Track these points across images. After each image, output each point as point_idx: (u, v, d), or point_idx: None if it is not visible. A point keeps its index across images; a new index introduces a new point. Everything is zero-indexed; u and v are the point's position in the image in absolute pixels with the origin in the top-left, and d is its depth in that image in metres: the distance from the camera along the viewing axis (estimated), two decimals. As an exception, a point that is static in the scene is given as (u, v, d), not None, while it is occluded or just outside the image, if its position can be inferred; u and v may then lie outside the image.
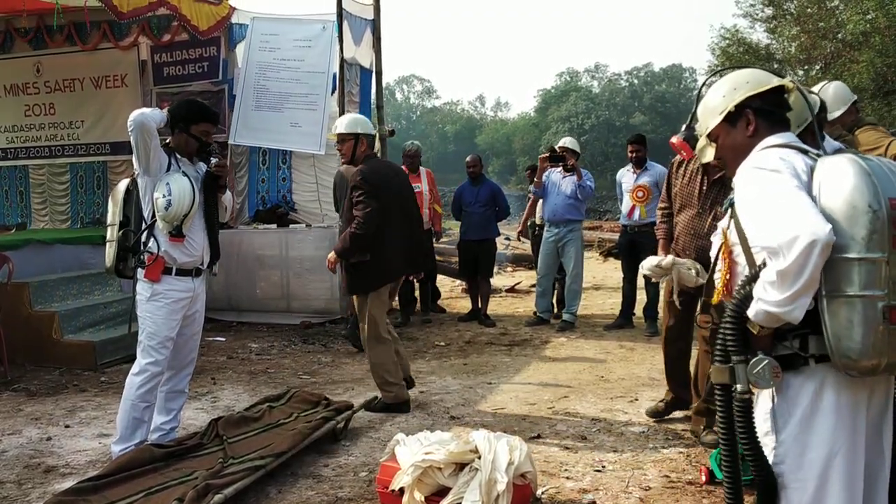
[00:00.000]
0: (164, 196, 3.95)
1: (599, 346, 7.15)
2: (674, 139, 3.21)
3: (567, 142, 8.28)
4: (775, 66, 23.05)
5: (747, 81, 2.34)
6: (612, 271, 11.93)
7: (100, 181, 9.82)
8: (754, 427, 2.26)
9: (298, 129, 8.29)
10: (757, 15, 23.10)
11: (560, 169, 8.04)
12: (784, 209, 2.08)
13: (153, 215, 4.04)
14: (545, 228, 8.36)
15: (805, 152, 2.20)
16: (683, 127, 3.17)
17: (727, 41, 23.44)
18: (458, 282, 11.37)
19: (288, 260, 8.40)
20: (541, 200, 8.57)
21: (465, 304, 9.55)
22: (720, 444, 2.43)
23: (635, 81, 61.20)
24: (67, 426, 4.92)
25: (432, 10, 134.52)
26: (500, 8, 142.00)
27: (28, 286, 6.56)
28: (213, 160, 4.27)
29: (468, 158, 8.95)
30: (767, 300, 2.08)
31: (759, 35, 23.35)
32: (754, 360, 2.17)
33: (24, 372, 6.29)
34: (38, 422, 5.02)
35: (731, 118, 2.36)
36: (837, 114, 4.33)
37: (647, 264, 4.36)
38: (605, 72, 65.90)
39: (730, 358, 2.22)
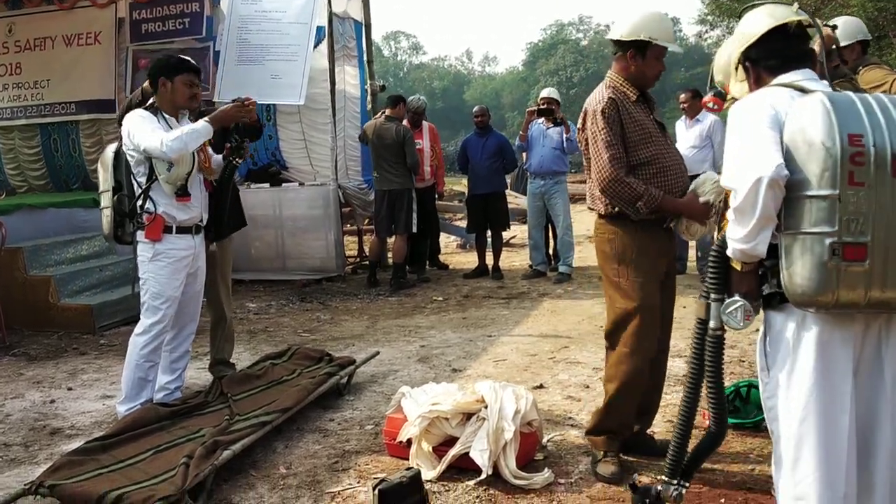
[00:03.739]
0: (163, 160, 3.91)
1: (597, 297, 7.15)
2: (706, 98, 3.28)
3: (551, 92, 8.20)
4: (766, 12, 22.83)
5: (742, 33, 2.39)
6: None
7: (74, 144, 9.56)
8: (721, 365, 2.44)
9: (279, 81, 8.06)
10: (749, -40, 22.83)
11: (543, 120, 7.97)
12: (743, 150, 2.19)
13: (149, 178, 3.98)
14: (530, 181, 8.32)
15: (804, 91, 2.20)
16: (708, 87, 3.29)
17: (717, -11, 23.18)
18: (452, 238, 11.36)
19: (282, 219, 8.35)
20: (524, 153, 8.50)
21: (460, 260, 9.56)
22: (686, 381, 2.54)
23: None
24: (70, 389, 4.93)
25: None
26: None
27: (22, 251, 6.50)
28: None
29: (475, 109, 8.78)
30: (731, 237, 2.20)
31: (751, -18, 23.08)
32: (729, 300, 2.30)
33: (22, 337, 6.27)
34: (41, 385, 5.02)
35: (742, 70, 2.43)
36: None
37: (711, 186, 3.18)
38: (589, 24, 65.32)
39: (709, 295, 2.36)
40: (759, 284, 2.28)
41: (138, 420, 3.73)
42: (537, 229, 8.29)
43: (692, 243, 7.87)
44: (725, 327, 2.35)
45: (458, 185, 15.43)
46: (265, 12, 8.36)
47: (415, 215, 7.79)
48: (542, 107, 7.88)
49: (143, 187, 3.98)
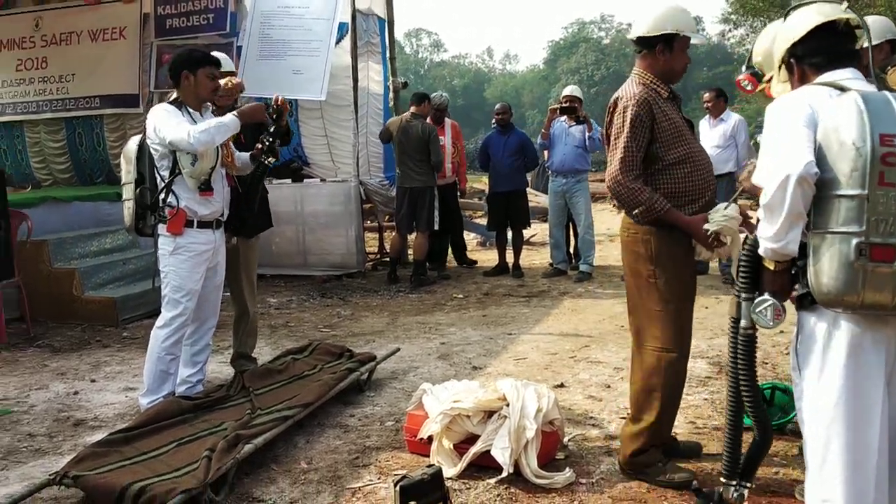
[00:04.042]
0: (188, 153, 3.93)
1: (617, 296, 7.11)
2: (740, 77, 3.23)
3: (573, 90, 8.16)
4: (792, 12, 22.60)
5: (789, 29, 2.38)
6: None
7: (99, 138, 9.66)
8: (754, 364, 2.42)
9: (300, 76, 8.09)
10: (773, -41, 22.59)
11: (565, 118, 7.93)
12: (775, 148, 2.18)
13: (172, 171, 4.00)
14: (551, 179, 8.29)
15: (843, 90, 2.18)
16: (744, 67, 3.22)
17: (741, -13, 22.98)
18: (472, 235, 11.35)
19: (304, 215, 8.39)
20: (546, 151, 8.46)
21: (480, 258, 9.54)
22: (728, 379, 2.51)
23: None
24: (93, 380, 4.97)
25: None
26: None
27: (47, 244, 6.57)
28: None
29: (497, 106, 8.73)
30: (762, 235, 2.20)
31: (776, -23, 22.85)
32: (759, 299, 2.29)
33: (46, 329, 6.34)
34: (64, 377, 5.07)
35: (786, 65, 2.40)
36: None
37: (720, 217, 3.08)
38: (611, 22, 64.95)
39: (740, 293, 2.37)
40: (791, 283, 2.25)
41: (161, 413, 3.75)
42: (558, 228, 8.26)
43: None
44: (756, 326, 2.34)
45: (478, 182, 15.41)
46: (288, 8, 8.38)
47: (436, 213, 7.79)
48: (564, 105, 7.85)
49: (167, 181, 4.00)
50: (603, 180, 13.92)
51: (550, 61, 63.19)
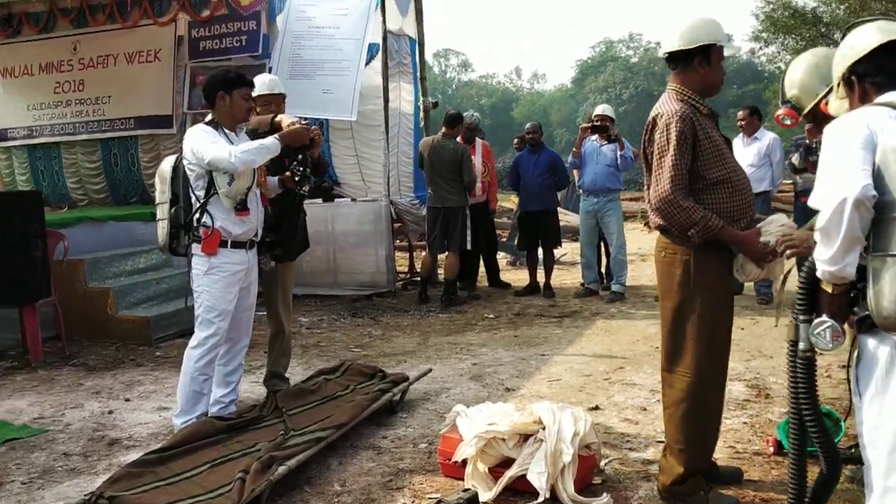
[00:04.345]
0: (224, 173, 3.95)
1: (651, 317, 7.04)
2: (779, 112, 3.14)
3: (605, 109, 8.14)
4: (823, 29, 22.43)
5: (851, 47, 2.32)
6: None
7: (133, 159, 9.76)
8: (815, 387, 2.33)
9: (330, 96, 8.16)
10: (803, -23, 22.44)
11: (597, 137, 7.90)
12: (832, 169, 2.12)
13: (207, 192, 4.02)
14: (583, 199, 8.24)
15: None
16: (780, 102, 3.13)
17: (771, 5, 22.83)
18: (501, 254, 11.30)
19: (334, 234, 8.40)
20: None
21: (510, 277, 9.49)
22: (789, 406, 2.43)
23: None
24: (127, 400, 4.99)
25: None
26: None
27: (83, 263, 6.65)
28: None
29: (528, 125, 8.76)
30: (818, 258, 2.15)
31: (805, -1, 22.69)
32: (817, 321, 2.23)
33: (81, 347, 6.39)
34: (99, 395, 5.10)
35: (846, 85, 2.35)
36: None
37: (777, 229, 3.00)
38: (639, 41, 64.80)
39: (798, 316, 2.31)
40: (850, 305, 2.20)
41: (195, 433, 3.75)
42: (590, 247, 8.20)
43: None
44: (816, 349, 2.28)
45: (506, 201, 15.38)
46: (318, 28, 8.46)
47: (468, 232, 7.77)
48: (596, 124, 7.82)
49: (202, 201, 4.03)
50: (634, 199, 13.77)
51: (578, 80, 63.14)
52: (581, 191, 8.26)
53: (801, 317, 2.30)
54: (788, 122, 3.14)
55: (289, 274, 4.86)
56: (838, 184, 2.06)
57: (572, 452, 3.24)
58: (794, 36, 22.80)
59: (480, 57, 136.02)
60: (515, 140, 11.18)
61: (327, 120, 8.78)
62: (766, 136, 7.48)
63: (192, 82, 9.42)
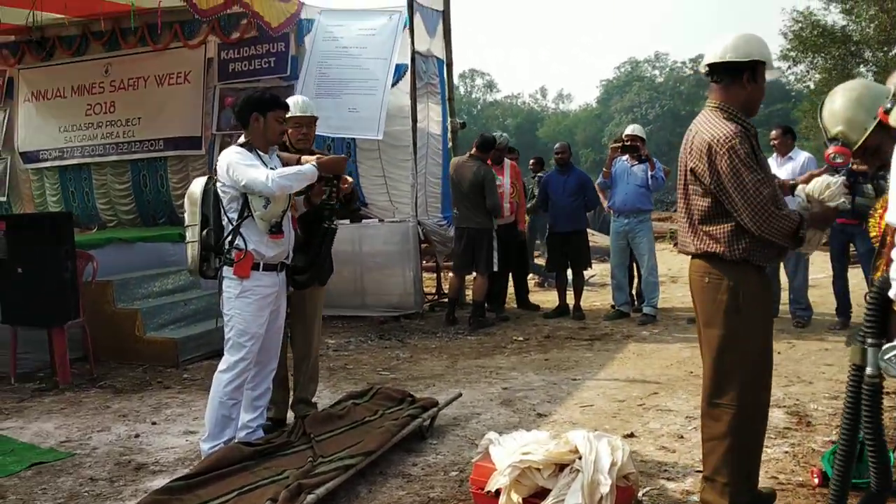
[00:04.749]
0: (260, 196, 3.92)
1: (684, 340, 6.90)
2: (829, 151, 2.97)
3: (635, 129, 8.04)
4: (852, 48, 22.17)
5: None
6: (687, 263, 11.60)
7: (163, 180, 9.83)
8: (880, 416, 2.20)
9: (356, 115, 8.11)
10: (832, -4, 22.18)
11: (627, 157, 7.80)
12: None
13: (241, 214, 3.99)
14: (613, 219, 8.13)
15: None
16: (826, 141, 2.99)
17: (800, 24, 22.60)
18: (529, 275, 11.19)
19: (361, 255, 8.34)
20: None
21: (538, 299, 9.38)
22: (841, 431, 2.31)
23: (700, 70, 59.73)
24: (154, 423, 4.95)
25: (490, 4, 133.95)
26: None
27: (111, 284, 6.66)
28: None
29: (557, 146, 8.72)
30: (895, 277, 2.02)
31: (834, 16, 22.45)
32: (888, 345, 2.09)
33: (108, 369, 6.37)
34: (126, 419, 5.06)
35: None
36: None
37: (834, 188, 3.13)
38: (665, 60, 64.65)
39: (866, 339, 2.19)
40: None
41: (222, 459, 3.68)
42: (620, 268, 8.07)
43: (784, 285, 7.53)
44: (884, 375, 2.16)
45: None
46: (345, 48, 8.47)
47: (496, 254, 7.69)
48: (626, 143, 7.72)
49: (235, 223, 3.99)
50: (662, 219, 13.60)
51: (604, 100, 63.13)
52: (611, 211, 8.14)
53: (870, 340, 2.19)
54: (840, 161, 3.01)
55: (318, 298, 4.81)
56: None
57: (610, 483, 3.12)
58: (822, 55, 22.53)
59: (506, 77, 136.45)
60: (532, 161, 11.13)
61: (354, 140, 8.77)
62: (801, 156, 7.34)
63: (222, 104, 9.49)
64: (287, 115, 4.43)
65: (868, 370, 2.18)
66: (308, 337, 4.77)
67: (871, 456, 2.25)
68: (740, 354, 3.03)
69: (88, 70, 9.92)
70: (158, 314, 6.77)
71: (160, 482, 3.79)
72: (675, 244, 9.31)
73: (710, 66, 3.08)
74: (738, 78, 3.02)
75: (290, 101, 4.64)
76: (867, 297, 2.22)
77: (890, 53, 20.83)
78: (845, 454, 2.34)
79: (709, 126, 3.03)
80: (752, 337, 3.03)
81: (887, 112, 2.50)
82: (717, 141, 2.95)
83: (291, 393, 4.85)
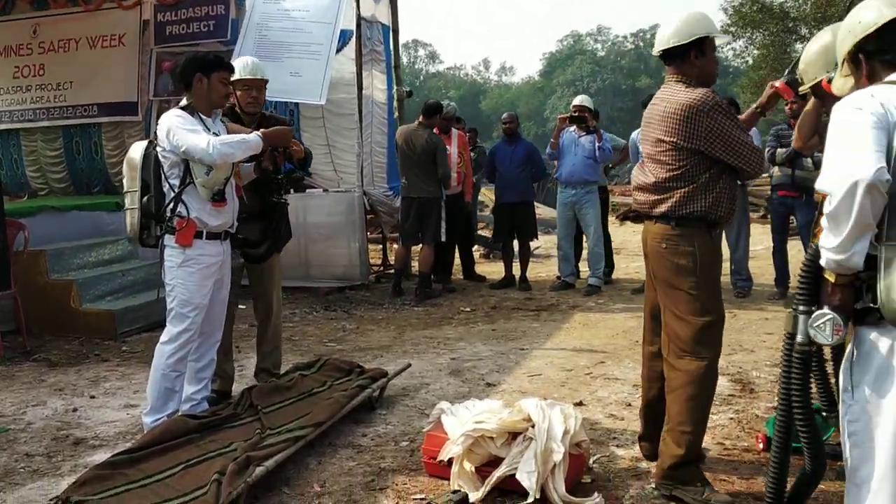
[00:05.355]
0: (201, 162, 3.77)
1: (628, 310, 6.99)
2: (777, 83, 3.21)
3: (584, 100, 8.04)
4: (790, 24, 22.64)
5: (858, 23, 2.18)
6: (630, 234, 11.74)
7: (97, 147, 9.49)
8: (808, 383, 2.24)
9: (299, 79, 7.85)
10: (771, -28, 22.57)
11: (575, 128, 7.81)
12: (841, 151, 2.01)
13: (183, 181, 3.84)
14: (560, 190, 8.14)
15: None
16: (786, 72, 3.19)
17: (740, 0, 22.95)
18: (475, 246, 11.19)
19: (306, 226, 8.17)
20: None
21: (484, 270, 9.39)
22: (779, 399, 2.35)
23: (641, 44, 60.42)
24: (93, 397, 4.79)
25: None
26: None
27: (44, 254, 6.39)
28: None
29: (504, 116, 8.66)
30: (824, 245, 2.03)
31: (773, -7, 22.85)
32: (817, 313, 2.11)
33: (42, 342, 6.14)
34: (62, 392, 4.89)
35: (852, 63, 2.23)
36: None
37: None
38: (607, 35, 65.16)
39: (798, 307, 2.20)
40: (854, 298, 2.10)
41: (166, 432, 3.57)
42: (567, 240, 8.09)
43: (725, 256, 7.66)
44: (814, 342, 2.17)
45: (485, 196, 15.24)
46: (287, 11, 8.18)
47: (443, 224, 7.63)
48: (574, 115, 7.72)
49: (177, 190, 3.84)
50: (624, 194, 13.75)
51: (546, 73, 63.33)
52: (559, 182, 8.15)
53: (801, 308, 2.19)
54: (785, 96, 3.18)
55: (276, 268, 4.73)
56: (849, 166, 1.94)
57: (563, 451, 3.13)
58: (761, 31, 22.97)
59: (448, 48, 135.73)
60: (468, 132, 11.03)
61: (297, 107, 8.56)
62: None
63: (159, 68, 9.17)
64: (236, 78, 4.29)
65: (798, 338, 2.19)
66: (268, 305, 4.69)
67: (804, 435, 2.27)
68: (701, 311, 3.18)
69: (15, 30, 9.46)
70: (95, 285, 6.54)
71: (101, 457, 3.67)
72: (616, 216, 9.18)
73: (661, 53, 3.29)
74: (687, 57, 3.23)
75: (238, 62, 4.49)
76: (802, 265, 2.24)
77: (825, 30, 21.32)
78: (783, 421, 2.37)
79: (682, 94, 3.19)
80: (710, 294, 3.21)
81: (829, 81, 2.56)
82: (698, 101, 3.12)
83: (254, 363, 4.82)
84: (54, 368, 5.45)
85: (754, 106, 3.31)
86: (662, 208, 3.25)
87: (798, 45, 22.71)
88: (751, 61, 25.13)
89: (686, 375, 3.20)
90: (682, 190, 3.20)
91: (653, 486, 3.30)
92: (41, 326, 6.27)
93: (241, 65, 4.49)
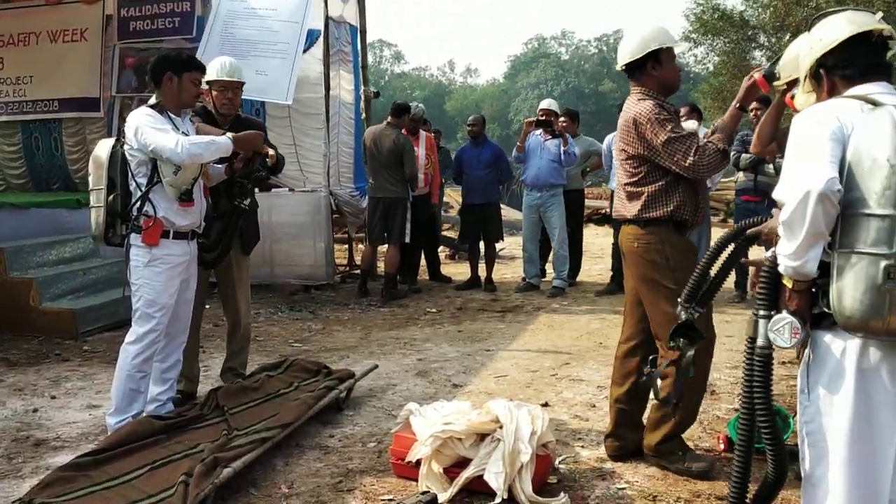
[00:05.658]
0: (169, 161, 3.74)
1: (592, 312, 7.07)
2: (756, 74, 3.28)
3: (550, 104, 8.12)
4: (749, 32, 23.05)
5: (819, 39, 2.25)
6: (593, 237, 11.88)
7: (57, 143, 9.32)
8: (770, 385, 2.30)
9: (265, 78, 7.80)
10: (731, -19, 22.96)
11: (541, 132, 7.88)
12: (797, 162, 2.09)
13: (150, 180, 3.80)
14: (526, 193, 8.21)
15: (875, 104, 2.09)
16: (768, 64, 3.24)
17: (701, 7, 23.30)
18: (441, 247, 11.21)
19: (271, 225, 8.09)
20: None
21: (450, 271, 9.42)
22: (741, 402, 2.41)
23: (604, 48, 61.03)
24: (53, 397, 4.71)
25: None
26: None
27: (3, 252, 6.26)
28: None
29: (470, 118, 8.72)
30: (780, 252, 2.11)
31: (733, 1, 23.27)
32: (777, 317, 2.19)
33: (1, 341, 6.02)
34: (22, 392, 4.80)
35: (814, 76, 2.30)
36: None
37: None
38: (571, 39, 65.69)
39: (758, 311, 2.28)
40: (811, 303, 2.17)
41: (132, 433, 3.53)
42: (532, 242, 8.16)
43: None
44: (774, 346, 2.24)
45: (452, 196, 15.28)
46: (254, 9, 8.12)
47: (408, 225, 7.64)
48: (541, 118, 7.78)
49: (144, 189, 3.80)
50: (598, 197, 13.92)
51: (511, 75, 63.60)
52: (524, 185, 8.21)
53: (761, 312, 2.27)
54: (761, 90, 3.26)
55: (245, 268, 4.71)
56: (803, 176, 2.02)
57: (530, 452, 3.17)
58: (722, 38, 23.34)
59: (413, 49, 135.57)
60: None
61: (263, 106, 8.50)
62: (703, 132, 7.58)
63: (122, 64, 9.04)
64: (212, 79, 4.29)
65: (759, 341, 2.26)
66: (236, 305, 4.68)
67: (766, 436, 2.32)
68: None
69: (-28, 23, 9.24)
70: (55, 283, 6.42)
71: (63, 458, 3.62)
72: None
73: (623, 68, 3.51)
74: (645, 69, 3.45)
75: (215, 63, 4.48)
76: (761, 271, 2.30)
77: (783, 39, 21.71)
78: (746, 423, 2.43)
79: (633, 106, 3.45)
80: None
81: (793, 97, 2.65)
82: (640, 113, 3.38)
83: (219, 364, 4.79)
84: (13, 368, 5.36)
85: (734, 103, 3.37)
86: (632, 211, 3.46)
87: (757, 53, 23.15)
88: (711, 67, 25.50)
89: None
90: (646, 194, 3.41)
91: (617, 486, 3.37)
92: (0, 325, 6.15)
93: (219, 65, 4.47)
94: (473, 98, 64.45)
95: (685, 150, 3.28)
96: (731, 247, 2.64)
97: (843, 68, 2.21)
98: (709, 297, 2.77)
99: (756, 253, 2.63)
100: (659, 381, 3.04)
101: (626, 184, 3.50)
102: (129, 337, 3.92)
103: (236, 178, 4.25)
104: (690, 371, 2.83)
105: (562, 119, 8.13)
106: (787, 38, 21.81)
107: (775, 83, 3.25)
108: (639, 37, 3.44)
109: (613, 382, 3.76)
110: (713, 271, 2.73)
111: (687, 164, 3.28)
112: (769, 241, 2.39)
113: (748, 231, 2.56)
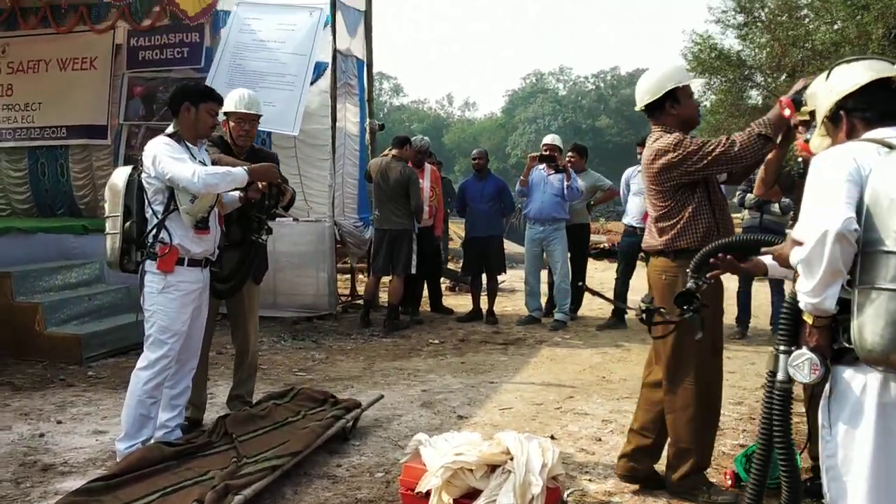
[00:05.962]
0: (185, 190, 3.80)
1: (595, 346, 7.11)
2: (784, 98, 3.18)
3: (554, 139, 8.23)
4: (746, 72, 23.34)
5: (838, 84, 2.34)
6: (596, 272, 11.91)
7: (63, 169, 9.38)
8: (789, 420, 2.36)
9: (272, 109, 7.89)
10: (729, 21, 23.19)
11: (545, 166, 7.97)
12: (815, 203, 2.16)
13: (167, 207, 3.86)
14: (529, 227, 8.29)
15: (891, 147, 2.17)
16: (793, 91, 3.12)
17: (699, 46, 23.61)
18: (442, 279, 11.25)
19: (275, 254, 8.07)
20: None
21: (451, 303, 9.45)
22: (759, 434, 2.44)
23: (601, 85, 61.70)
24: (59, 422, 4.71)
25: (399, 7, 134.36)
26: (468, 7, 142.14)
27: (10, 276, 6.28)
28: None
29: (474, 152, 8.85)
30: (800, 290, 2.17)
31: (731, 41, 23.55)
32: (797, 353, 2.25)
33: (5, 365, 6.01)
34: (28, 417, 4.80)
35: (832, 119, 2.37)
36: None
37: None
38: (569, 74, 66.36)
39: (779, 347, 2.34)
40: (831, 339, 2.22)
41: (143, 460, 3.54)
42: (534, 275, 8.22)
43: None
44: (794, 380, 2.30)
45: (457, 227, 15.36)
46: (263, 41, 8.26)
47: (414, 256, 7.70)
48: (544, 153, 7.89)
49: (160, 216, 3.85)
50: (596, 232, 13.98)
51: (508, 110, 64.15)
52: (527, 219, 8.29)
53: (782, 347, 2.33)
54: (787, 113, 3.18)
55: (254, 295, 4.77)
56: (821, 217, 2.09)
57: (541, 484, 3.19)
58: (719, 77, 23.59)
59: (412, 82, 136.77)
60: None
61: (269, 136, 8.58)
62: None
63: (130, 93, 9.15)
64: (230, 110, 4.37)
65: (779, 375, 2.33)
66: (245, 334, 4.72)
67: (783, 469, 2.37)
68: (701, 339, 3.24)
69: (-16, 50, 9.36)
70: (60, 308, 6.43)
71: (71, 483, 3.63)
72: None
73: (643, 109, 3.62)
74: (664, 108, 3.52)
75: (234, 95, 4.56)
76: (782, 307, 2.38)
77: (780, 79, 22.00)
78: (763, 456, 2.48)
79: (656, 142, 3.53)
80: (709, 322, 3.32)
81: (807, 141, 2.70)
82: (665, 144, 3.48)
83: (224, 391, 4.80)
84: (18, 392, 5.35)
85: (770, 121, 3.31)
86: (661, 243, 3.55)
87: (753, 92, 23.41)
88: (709, 105, 25.78)
89: (684, 399, 3.47)
90: (674, 226, 3.50)
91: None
92: (5, 349, 6.16)
93: (238, 97, 4.56)
94: (471, 131, 64.95)
95: (719, 141, 3.34)
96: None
97: (863, 111, 2.29)
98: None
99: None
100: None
101: (655, 219, 3.60)
102: (141, 362, 3.94)
103: (254, 215, 4.32)
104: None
105: (569, 154, 8.27)
106: (783, 77, 22.13)
107: (801, 110, 3.06)
108: (655, 77, 3.53)
109: (639, 408, 3.82)
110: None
111: (727, 146, 3.30)
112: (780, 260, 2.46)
113: (762, 249, 2.64)
